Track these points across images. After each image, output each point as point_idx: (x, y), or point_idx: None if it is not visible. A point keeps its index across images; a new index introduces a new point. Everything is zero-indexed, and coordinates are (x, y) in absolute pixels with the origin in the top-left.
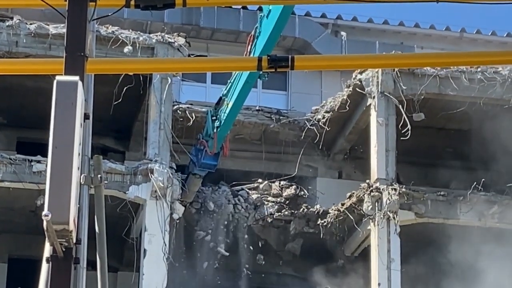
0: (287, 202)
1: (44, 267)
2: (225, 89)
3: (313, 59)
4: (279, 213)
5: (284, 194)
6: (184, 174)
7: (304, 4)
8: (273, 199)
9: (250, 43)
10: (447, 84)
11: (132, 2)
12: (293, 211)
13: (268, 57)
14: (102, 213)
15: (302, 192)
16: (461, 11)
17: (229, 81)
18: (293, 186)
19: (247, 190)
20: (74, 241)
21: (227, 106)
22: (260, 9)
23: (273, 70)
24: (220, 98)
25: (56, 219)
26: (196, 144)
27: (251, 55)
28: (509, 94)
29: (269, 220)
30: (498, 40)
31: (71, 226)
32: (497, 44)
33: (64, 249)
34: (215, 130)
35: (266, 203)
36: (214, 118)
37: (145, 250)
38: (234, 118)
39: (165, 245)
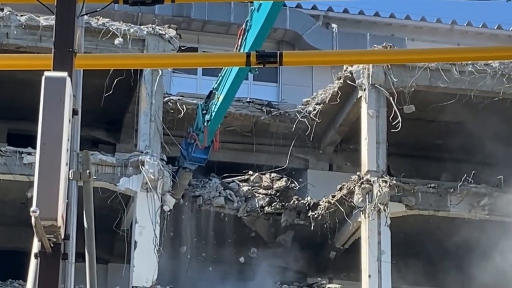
0: (278, 194)
1: (33, 263)
2: (216, 83)
3: (302, 55)
4: (270, 206)
5: (275, 186)
6: (175, 167)
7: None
8: (264, 191)
9: (241, 36)
10: (437, 76)
11: None
12: (283, 203)
13: (257, 53)
14: (90, 208)
15: (293, 184)
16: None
17: (220, 74)
18: (284, 178)
19: (238, 182)
20: (63, 236)
21: (218, 100)
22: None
23: (262, 66)
24: (211, 91)
25: (44, 215)
26: (186, 137)
27: (242, 48)
28: (500, 87)
29: (260, 212)
30: (489, 32)
31: (60, 222)
32: (487, 36)
33: (52, 245)
34: (205, 124)
35: (257, 195)
36: (204, 112)
37: (135, 242)
38: (225, 111)
39: (156, 237)
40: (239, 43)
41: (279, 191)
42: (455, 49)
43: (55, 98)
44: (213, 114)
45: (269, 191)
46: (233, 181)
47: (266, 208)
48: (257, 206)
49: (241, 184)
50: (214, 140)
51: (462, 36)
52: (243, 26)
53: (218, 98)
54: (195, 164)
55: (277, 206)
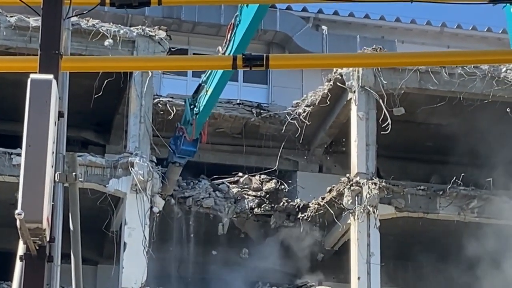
0: (268, 196)
1: (18, 265)
2: (205, 76)
3: (288, 58)
4: (260, 208)
5: (265, 188)
6: (165, 168)
7: (278, 2)
8: (254, 193)
9: (230, 31)
10: (427, 78)
11: (108, 0)
12: (273, 205)
13: (243, 56)
14: (76, 211)
15: (283, 186)
16: (442, 6)
17: None
18: (273, 180)
19: (227, 184)
20: (48, 239)
21: (207, 93)
22: None
23: (248, 69)
24: (200, 85)
25: (29, 218)
26: (175, 132)
27: (231, 43)
28: (489, 89)
29: (249, 214)
30: (478, 35)
31: (45, 225)
32: (477, 39)
33: (37, 248)
34: (194, 117)
35: (246, 197)
36: (192, 106)
37: (125, 243)
38: (213, 104)
39: (145, 238)
40: (228, 38)
41: (269, 193)
42: (445, 52)
43: (41, 100)
44: (202, 107)
45: (259, 193)
46: (222, 183)
47: (256, 209)
48: (246, 207)
49: (230, 185)
50: (202, 133)
51: (452, 39)
52: (232, 21)
53: (207, 91)
54: (184, 157)
55: (267, 207)
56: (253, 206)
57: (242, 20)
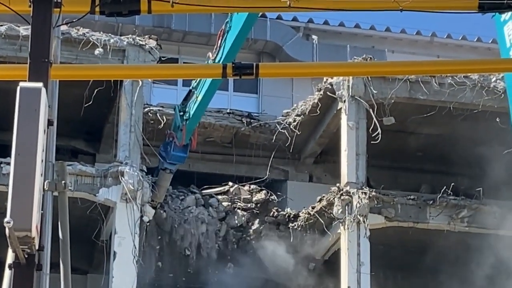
0: (258, 206)
1: (7, 274)
2: (195, 82)
3: (278, 67)
4: (250, 223)
5: (254, 199)
6: (155, 177)
7: (268, 12)
8: (243, 205)
9: (221, 37)
10: (417, 88)
11: (97, 9)
12: (263, 219)
13: (233, 64)
14: (66, 219)
15: (272, 197)
16: (432, 15)
17: None
18: (263, 191)
19: (218, 198)
20: (37, 247)
21: (197, 99)
22: None
23: (238, 77)
24: (190, 91)
25: (18, 226)
26: (165, 139)
27: (221, 49)
28: (479, 99)
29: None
30: (468, 44)
31: (34, 233)
32: (467, 49)
33: (26, 256)
34: (184, 123)
35: (237, 211)
36: (181, 113)
37: (114, 252)
38: (204, 110)
39: (135, 248)
40: (219, 44)
41: (259, 203)
42: (435, 62)
43: (30, 108)
44: (192, 113)
45: (249, 205)
46: (212, 196)
47: (246, 225)
48: (236, 224)
49: (220, 197)
50: (191, 139)
51: (442, 49)
52: (223, 27)
53: (197, 97)
54: (174, 164)
55: (257, 221)
56: (243, 224)
57: (233, 26)
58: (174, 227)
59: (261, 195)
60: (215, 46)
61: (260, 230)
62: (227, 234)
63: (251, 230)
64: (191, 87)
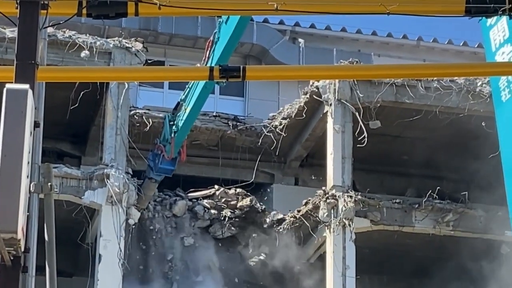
0: (243, 214)
1: None
2: (183, 94)
3: (265, 70)
4: (234, 228)
5: (239, 205)
6: (140, 180)
7: (255, 15)
8: (229, 212)
9: (209, 48)
10: (403, 92)
11: (84, 11)
12: (249, 226)
13: (220, 67)
14: (51, 221)
15: (258, 205)
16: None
17: (187, 86)
18: (249, 198)
19: (204, 204)
20: (23, 249)
21: (185, 111)
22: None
23: (225, 80)
24: (178, 103)
25: (4, 228)
26: (154, 148)
27: (210, 60)
28: (465, 103)
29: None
30: (454, 49)
31: (20, 235)
32: (453, 53)
33: (12, 258)
34: (172, 135)
35: (222, 219)
36: (172, 123)
37: (100, 255)
38: (192, 123)
39: (121, 250)
40: (207, 55)
41: (243, 210)
42: (421, 65)
43: (17, 110)
44: (180, 125)
45: (235, 212)
46: (198, 202)
47: (232, 229)
48: (222, 234)
49: (206, 202)
50: (181, 152)
51: (428, 53)
52: (211, 38)
53: (186, 109)
54: (161, 175)
55: (242, 225)
56: (228, 232)
57: (221, 37)
58: (158, 235)
59: (246, 201)
60: (203, 58)
61: (245, 234)
62: (213, 239)
63: (236, 235)
64: (179, 99)
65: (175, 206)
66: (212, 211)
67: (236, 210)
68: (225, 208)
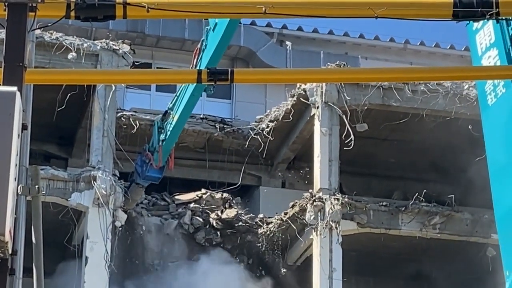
0: (228, 222)
1: None
2: (171, 103)
3: (253, 73)
4: (220, 237)
5: (224, 216)
6: (127, 182)
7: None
8: (216, 219)
9: (196, 56)
10: (390, 95)
11: (72, 14)
12: (234, 231)
13: (208, 70)
14: (39, 224)
15: (244, 216)
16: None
17: (175, 94)
18: (234, 208)
19: (191, 210)
20: (10, 252)
21: (173, 120)
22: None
23: (213, 83)
24: (165, 112)
25: None
26: (142, 154)
27: (198, 68)
28: (452, 106)
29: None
30: (441, 52)
31: (7, 237)
32: (440, 56)
33: None
34: (160, 144)
35: (207, 227)
36: (160, 129)
37: (86, 257)
38: (179, 131)
39: (107, 253)
40: (195, 63)
41: (229, 220)
42: (408, 69)
43: (5, 112)
44: (168, 133)
45: (220, 224)
46: (185, 207)
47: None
48: (206, 237)
49: (192, 206)
50: (168, 160)
51: (415, 56)
52: (199, 46)
53: (173, 118)
54: (148, 181)
55: (228, 232)
56: (215, 239)
57: (208, 44)
58: (145, 238)
59: (232, 213)
60: (191, 65)
61: (231, 238)
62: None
63: (221, 243)
64: (167, 108)
65: (167, 225)
66: (198, 218)
67: (220, 222)
68: (210, 216)
